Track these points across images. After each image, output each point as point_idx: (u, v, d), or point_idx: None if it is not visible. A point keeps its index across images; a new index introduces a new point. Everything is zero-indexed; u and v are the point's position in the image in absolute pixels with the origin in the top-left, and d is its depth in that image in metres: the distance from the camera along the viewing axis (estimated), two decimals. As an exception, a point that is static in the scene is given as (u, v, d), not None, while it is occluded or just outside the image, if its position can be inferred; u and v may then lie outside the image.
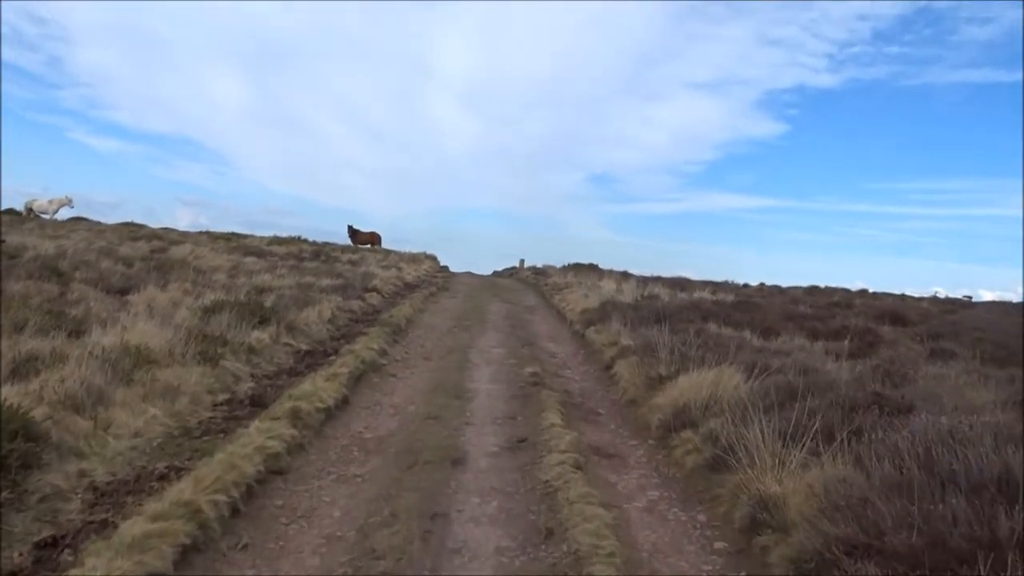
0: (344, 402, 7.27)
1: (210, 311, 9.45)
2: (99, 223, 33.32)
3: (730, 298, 19.33)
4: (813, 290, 31.42)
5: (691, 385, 7.25)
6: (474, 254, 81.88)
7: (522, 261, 36.84)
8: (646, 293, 15.92)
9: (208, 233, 33.25)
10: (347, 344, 10.04)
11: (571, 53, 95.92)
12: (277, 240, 31.27)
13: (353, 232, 34.97)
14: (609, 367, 10.11)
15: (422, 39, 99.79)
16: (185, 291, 12.47)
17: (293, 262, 21.38)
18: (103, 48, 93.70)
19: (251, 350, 8.20)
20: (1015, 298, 34.52)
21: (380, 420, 7.02)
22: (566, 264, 35.67)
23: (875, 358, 9.98)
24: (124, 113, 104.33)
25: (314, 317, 11.09)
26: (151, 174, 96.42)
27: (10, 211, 32.58)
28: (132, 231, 28.23)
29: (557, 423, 6.76)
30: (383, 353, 9.89)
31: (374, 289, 16.01)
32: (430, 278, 24.19)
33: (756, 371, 7.51)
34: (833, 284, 35.09)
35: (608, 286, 20.55)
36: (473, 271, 37.00)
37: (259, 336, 8.72)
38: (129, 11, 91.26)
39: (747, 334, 11.52)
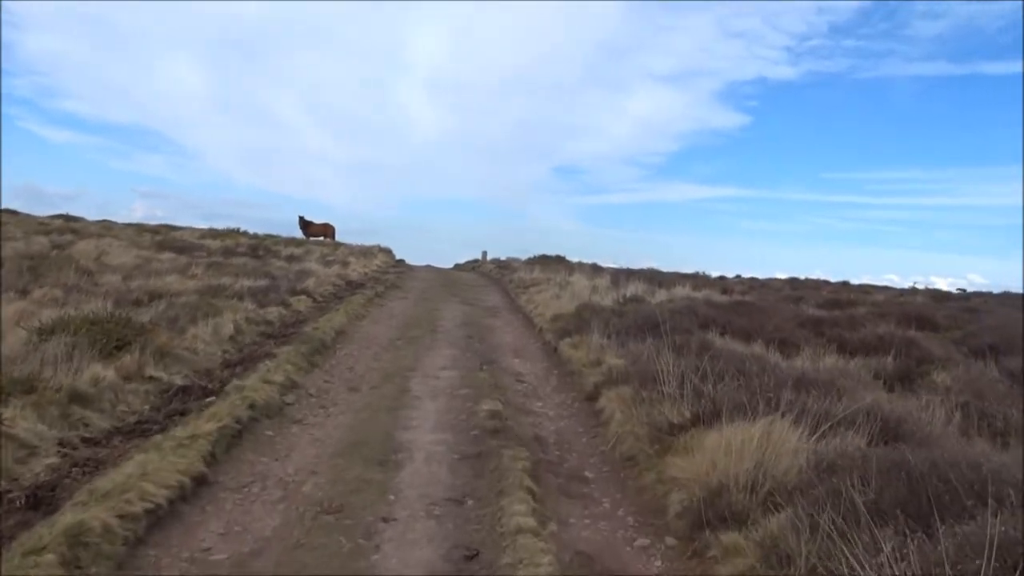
0: (199, 483, 4.73)
1: (47, 333, 6.82)
2: (26, 216, 30.06)
3: (717, 296, 17.12)
4: (794, 282, 29.52)
5: (724, 446, 4.86)
6: (438, 245, 79.21)
7: (484, 253, 34.42)
8: (628, 294, 13.53)
9: (140, 226, 30.12)
10: (245, 373, 7.48)
11: (538, 44, 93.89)
12: (213, 233, 28.31)
13: (305, 224, 32.23)
14: (593, 398, 7.70)
15: (390, 30, 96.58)
16: (52, 299, 9.78)
17: (220, 258, 18.61)
18: (57, 35, 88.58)
19: (78, 397, 5.59)
20: (968, 287, 33.50)
21: (251, 518, 4.49)
22: (532, 256, 33.37)
23: (933, 384, 7.75)
24: (79, 103, 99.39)
25: (206, 334, 8.49)
26: (108, 166, 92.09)
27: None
28: (43, 224, 24.99)
29: (526, 522, 4.30)
30: (290, 387, 7.34)
31: (304, 292, 13.38)
32: (380, 274, 21.58)
33: (814, 421, 5.17)
34: (802, 274, 33.46)
35: (580, 282, 18.19)
36: (434, 264, 34.49)
37: (101, 373, 6.11)
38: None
39: (760, 348, 9.22)
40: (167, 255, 18.18)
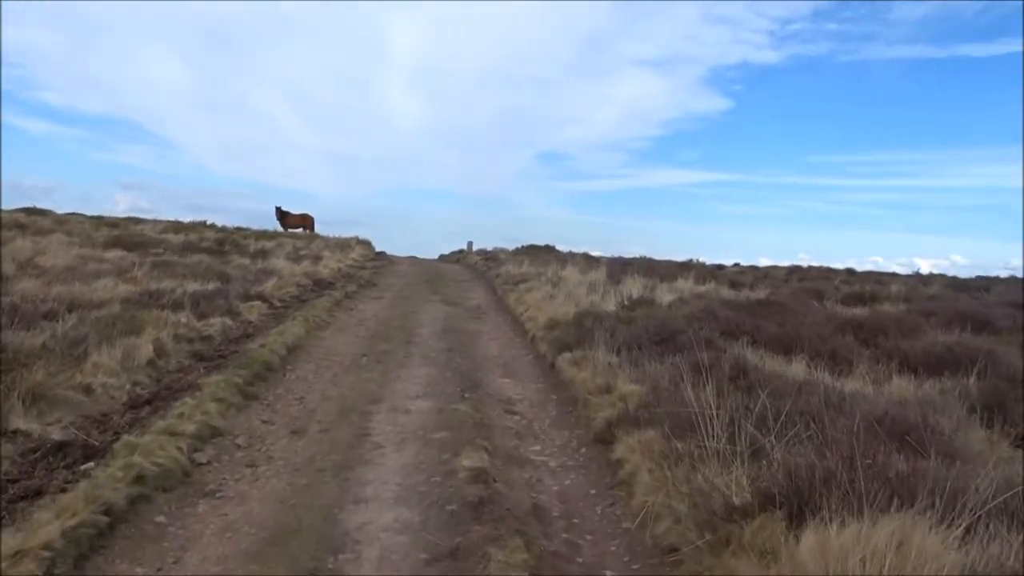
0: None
1: None
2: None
3: (726, 291, 15.48)
4: (797, 271, 27.91)
5: (831, 563, 3.15)
6: (422, 236, 76.92)
7: (470, 244, 32.73)
8: (632, 294, 11.79)
9: (101, 219, 28.08)
10: (151, 418, 5.71)
11: (520, 33, 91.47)
12: (177, 226, 26.32)
13: (282, 215, 30.43)
14: (605, 440, 5.99)
15: (371, 20, 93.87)
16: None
17: (174, 256, 16.74)
18: (33, 26, 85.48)
19: None
20: (951, 268, 32.67)
21: None
22: (519, 247, 31.63)
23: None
24: (56, 94, 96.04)
25: (114, 362, 6.69)
26: (88, 157, 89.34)
27: None
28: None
29: None
30: (208, 437, 5.57)
31: (260, 296, 11.56)
32: (356, 270, 19.76)
33: (946, 505, 3.49)
34: (785, 259, 32.14)
35: (574, 277, 16.48)
36: (418, 255, 32.75)
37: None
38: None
39: (804, 365, 7.55)
40: (114, 253, 16.29)
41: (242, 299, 11.12)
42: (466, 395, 7.35)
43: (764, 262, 33.57)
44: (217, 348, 8.35)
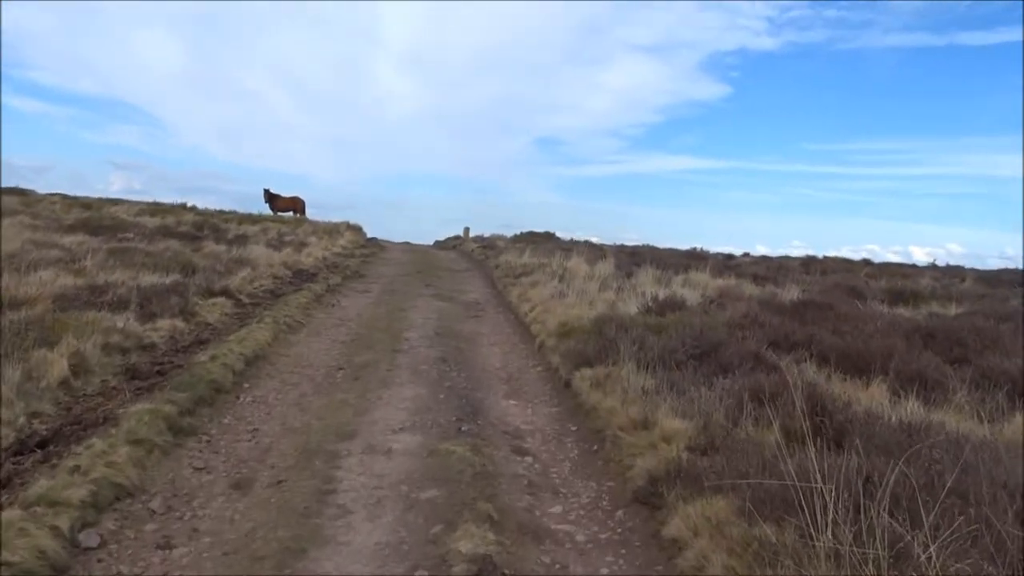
0: None
1: None
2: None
3: (748, 287, 14.00)
4: (813, 262, 26.39)
5: None
6: (418, 221, 75.36)
7: (467, 230, 31.19)
8: (657, 294, 10.22)
9: (73, 200, 26.36)
10: (40, 470, 4.19)
11: (516, 16, 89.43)
12: (154, 208, 24.66)
13: (271, 197, 28.73)
14: (648, 501, 4.47)
15: (367, 4, 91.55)
16: None
17: (142, 242, 15.12)
18: (26, 6, 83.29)
19: None
20: (947, 257, 31.51)
21: None
22: (518, 233, 30.10)
23: None
24: (48, 73, 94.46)
25: (7, 388, 5.14)
26: (80, 137, 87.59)
27: None
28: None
29: None
30: (110, 502, 4.05)
31: (224, 291, 9.99)
32: (343, 258, 18.21)
33: None
34: (778, 247, 30.80)
35: (580, 269, 14.98)
36: (413, 241, 31.28)
37: None
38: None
39: (886, 390, 6.07)
40: (74, 238, 14.70)
41: (204, 295, 9.56)
42: (463, 427, 5.84)
43: (760, 249, 32.27)
44: (158, 361, 6.80)
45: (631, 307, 9.31)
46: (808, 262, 26.59)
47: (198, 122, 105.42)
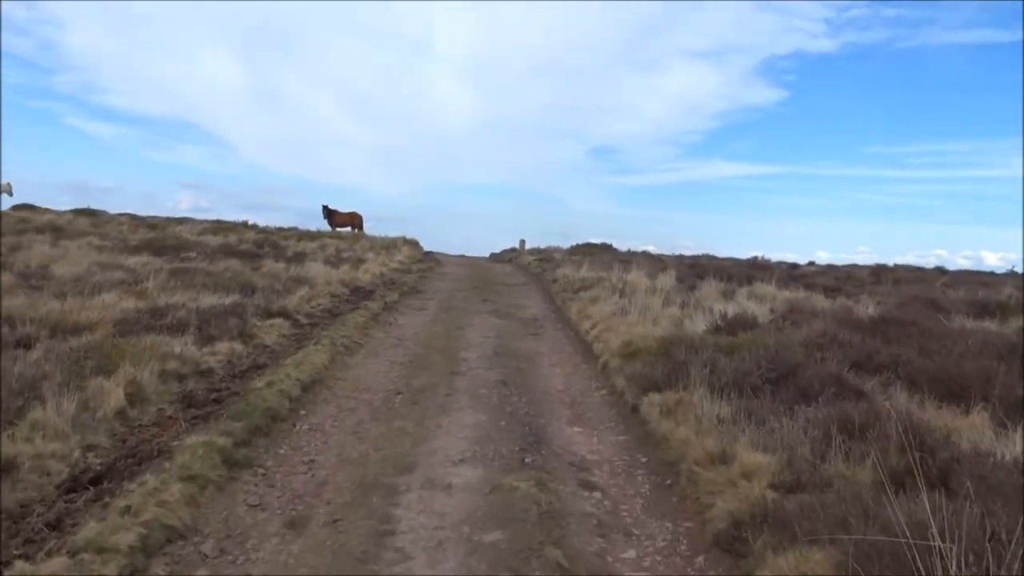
0: None
1: None
2: (43, 210, 27.67)
3: (819, 301, 13.34)
4: (883, 271, 25.27)
5: None
6: (473, 232, 75.69)
7: (523, 242, 30.98)
8: (726, 311, 9.73)
9: (140, 221, 27.06)
10: (91, 511, 4.05)
11: (569, 24, 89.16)
12: (217, 227, 25.17)
13: (329, 213, 29.04)
14: (735, 549, 4.08)
15: (419, 15, 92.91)
16: None
17: (204, 262, 15.30)
18: (94, 31, 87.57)
19: None
20: (1018, 261, 29.58)
21: None
22: (574, 244, 29.72)
23: None
24: (118, 97, 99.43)
25: (62, 420, 5.05)
26: (148, 158, 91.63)
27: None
28: (24, 222, 21.99)
29: None
30: (160, 545, 3.87)
31: (282, 312, 9.93)
32: (401, 274, 18.15)
33: None
34: (844, 254, 29.42)
35: (641, 283, 14.54)
36: (468, 253, 31.26)
37: None
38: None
39: (987, 419, 5.53)
40: (138, 259, 14.97)
41: (262, 316, 9.52)
42: (527, 458, 5.54)
43: (823, 256, 31.16)
44: (215, 387, 6.69)
45: (698, 325, 8.88)
46: (878, 271, 25.46)
47: (257, 139, 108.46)
